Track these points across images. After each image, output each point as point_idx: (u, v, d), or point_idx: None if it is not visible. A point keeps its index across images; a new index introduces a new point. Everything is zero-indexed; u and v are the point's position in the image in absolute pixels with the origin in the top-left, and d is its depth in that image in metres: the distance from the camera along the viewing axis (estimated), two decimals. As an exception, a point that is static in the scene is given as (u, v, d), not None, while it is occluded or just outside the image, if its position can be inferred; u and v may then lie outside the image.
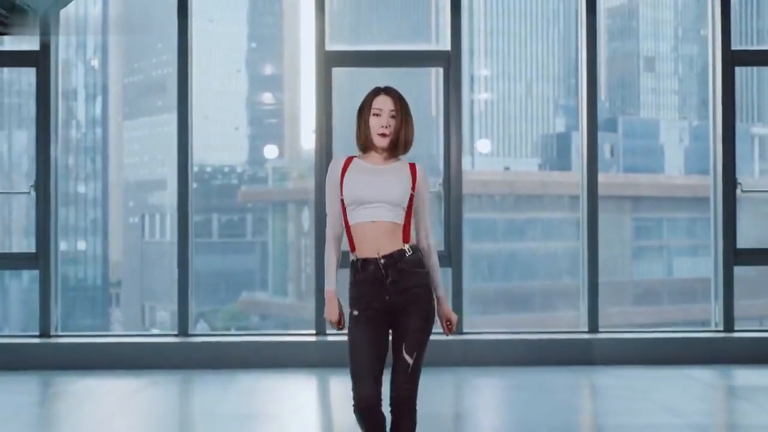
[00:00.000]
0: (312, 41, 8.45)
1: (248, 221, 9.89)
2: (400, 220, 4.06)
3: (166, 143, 9.14)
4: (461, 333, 8.27)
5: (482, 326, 8.65)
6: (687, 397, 6.79)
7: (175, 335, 8.32)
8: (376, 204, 4.02)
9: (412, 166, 4.13)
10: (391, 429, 3.97)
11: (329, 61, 8.41)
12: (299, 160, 8.99)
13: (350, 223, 4.05)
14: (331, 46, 8.48)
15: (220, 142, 9.79)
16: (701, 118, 9.85)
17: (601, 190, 8.75)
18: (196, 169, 8.97)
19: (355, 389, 3.91)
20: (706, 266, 9.23)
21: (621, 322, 9.27)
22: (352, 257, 4.08)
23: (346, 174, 4.08)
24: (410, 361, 3.91)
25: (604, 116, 10.30)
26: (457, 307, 8.24)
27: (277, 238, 9.83)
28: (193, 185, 8.53)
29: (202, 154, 9.24)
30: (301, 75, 9.03)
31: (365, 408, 3.89)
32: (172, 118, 8.75)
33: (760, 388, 7.13)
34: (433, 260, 4.10)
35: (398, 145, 4.08)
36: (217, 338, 8.30)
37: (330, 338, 8.17)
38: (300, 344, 8.17)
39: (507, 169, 10.11)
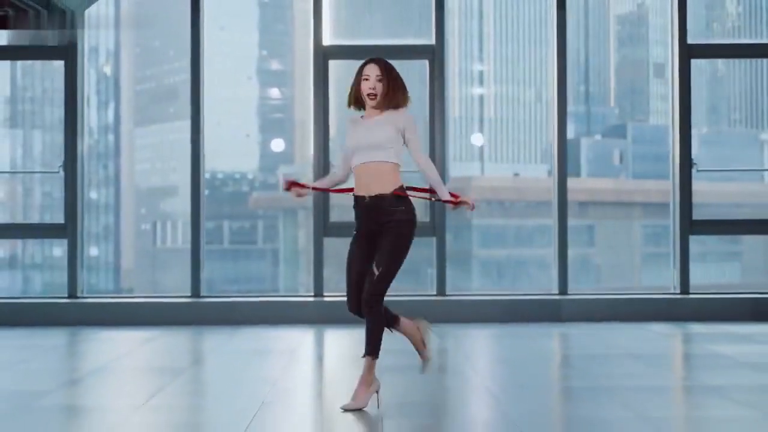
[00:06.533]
0: (310, 38, 9.10)
1: (259, 228, 9.94)
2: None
3: (178, 150, 9.21)
4: (444, 295, 9.00)
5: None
6: (642, 340, 7.69)
7: (188, 296, 9.09)
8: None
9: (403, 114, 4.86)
10: None
11: (327, 54, 9.09)
12: (310, 166, 9.04)
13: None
14: (328, 41, 9.13)
15: (232, 149, 9.84)
16: (710, 124, 9.88)
17: (611, 197, 8.78)
18: (207, 176, 9.04)
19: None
20: (715, 273, 9.26)
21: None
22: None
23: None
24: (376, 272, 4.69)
25: (613, 122, 10.34)
26: (441, 271, 9.01)
27: (287, 244, 9.88)
28: (204, 192, 8.74)
29: (213, 161, 9.29)
30: (311, 83, 9.09)
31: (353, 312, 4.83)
32: (184, 125, 8.81)
33: (706, 334, 7.99)
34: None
35: (385, 101, 4.78)
36: (225, 299, 9.06)
37: (327, 299, 8.91)
38: (300, 303, 8.91)
39: (516, 175, 10.16)
